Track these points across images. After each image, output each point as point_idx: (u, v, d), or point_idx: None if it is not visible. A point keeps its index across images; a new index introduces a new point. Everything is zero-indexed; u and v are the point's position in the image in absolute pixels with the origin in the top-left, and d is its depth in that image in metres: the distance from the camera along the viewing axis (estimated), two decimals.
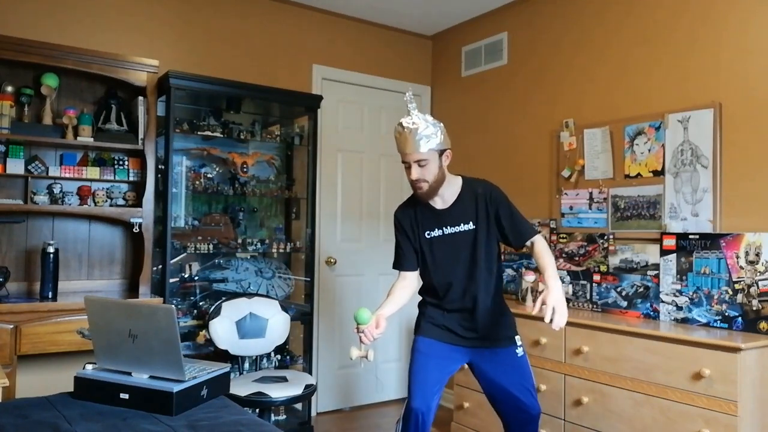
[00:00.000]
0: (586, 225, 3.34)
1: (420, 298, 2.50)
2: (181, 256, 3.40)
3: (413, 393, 2.29)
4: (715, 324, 2.70)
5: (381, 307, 2.37)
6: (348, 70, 4.24)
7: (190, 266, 3.50)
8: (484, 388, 2.42)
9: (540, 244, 2.31)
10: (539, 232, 2.45)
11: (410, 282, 2.44)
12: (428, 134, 2.21)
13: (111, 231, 3.34)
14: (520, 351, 2.39)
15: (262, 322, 3.25)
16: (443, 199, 2.35)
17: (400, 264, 2.46)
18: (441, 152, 2.26)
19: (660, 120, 3.01)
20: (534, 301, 3.44)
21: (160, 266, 3.26)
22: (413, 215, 2.40)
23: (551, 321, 2.01)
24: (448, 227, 2.34)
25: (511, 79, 3.97)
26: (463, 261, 2.33)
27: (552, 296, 2.04)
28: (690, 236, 2.81)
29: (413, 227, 2.40)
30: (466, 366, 2.45)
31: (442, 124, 2.29)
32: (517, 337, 2.40)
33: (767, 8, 2.67)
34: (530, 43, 3.83)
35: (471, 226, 2.33)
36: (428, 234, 2.37)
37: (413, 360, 2.37)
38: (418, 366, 2.34)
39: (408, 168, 2.26)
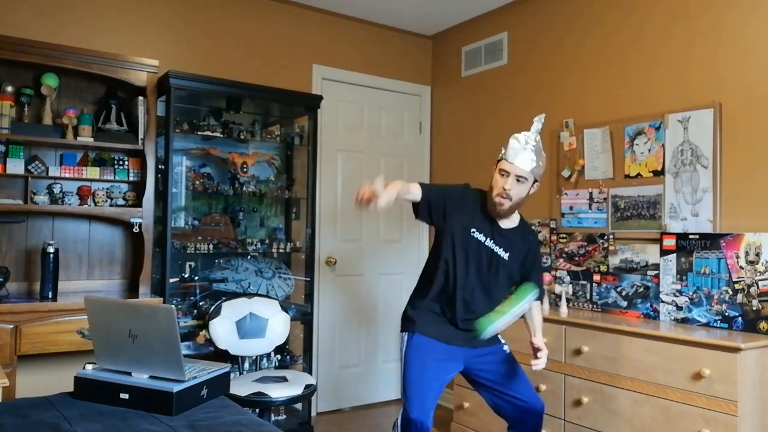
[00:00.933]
0: (586, 225, 3.34)
1: (412, 298, 2.49)
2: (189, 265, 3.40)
3: (411, 403, 2.27)
4: (715, 324, 2.70)
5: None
6: (348, 70, 4.24)
7: (190, 266, 3.50)
8: (484, 394, 2.42)
9: (539, 301, 2.45)
10: (543, 291, 2.53)
11: (414, 192, 2.33)
12: (538, 158, 2.28)
13: (111, 231, 3.34)
14: (507, 348, 2.45)
15: (262, 322, 3.25)
16: (502, 220, 2.38)
17: (425, 188, 2.35)
18: (534, 181, 2.31)
19: (660, 120, 3.01)
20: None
21: (160, 266, 3.26)
22: (476, 206, 2.37)
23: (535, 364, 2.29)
24: (492, 242, 2.35)
25: (511, 79, 3.97)
26: (482, 276, 2.36)
27: (545, 352, 2.32)
28: (690, 236, 2.81)
29: (467, 211, 2.35)
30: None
31: (545, 157, 2.37)
32: (501, 338, 2.47)
33: (767, 8, 2.67)
34: (530, 43, 3.83)
35: (507, 256, 2.37)
36: (473, 232, 2.34)
37: (409, 368, 2.33)
38: (415, 375, 2.30)
39: (504, 177, 2.27)
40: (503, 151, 2.31)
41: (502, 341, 2.46)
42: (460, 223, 2.34)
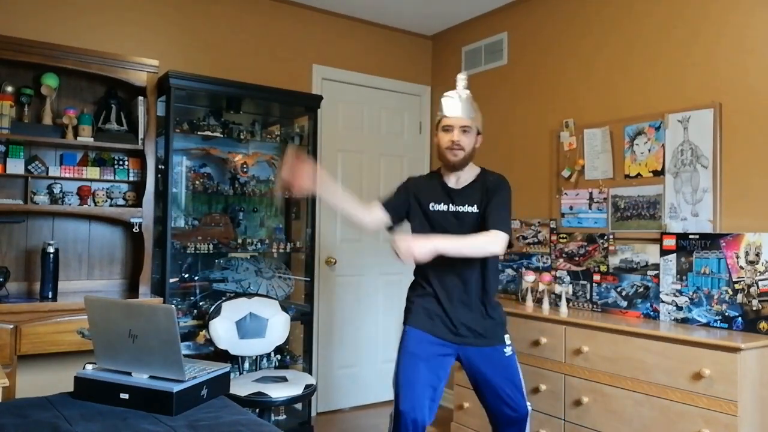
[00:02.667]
0: (586, 225, 3.34)
1: (409, 292, 2.50)
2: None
3: (401, 396, 2.27)
4: (715, 324, 2.70)
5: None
6: (348, 70, 4.25)
7: (190, 266, 3.50)
8: (473, 385, 2.43)
9: (489, 234, 2.23)
10: (507, 234, 2.26)
11: (374, 214, 2.44)
12: (475, 109, 2.40)
13: (111, 231, 3.34)
14: (508, 350, 2.40)
15: (262, 322, 3.25)
16: (459, 180, 2.43)
17: (383, 198, 2.51)
18: (477, 132, 2.41)
19: (660, 120, 3.01)
20: (534, 301, 3.44)
21: (160, 266, 3.25)
22: (423, 185, 2.48)
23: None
24: (454, 205, 2.40)
25: (511, 79, 3.97)
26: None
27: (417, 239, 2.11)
28: (690, 236, 2.81)
29: (420, 194, 2.45)
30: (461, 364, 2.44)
31: (478, 108, 2.45)
32: (506, 336, 2.42)
33: (767, 8, 2.67)
34: (530, 43, 3.83)
35: (474, 209, 2.38)
36: (432, 206, 2.41)
37: (400, 360, 2.34)
38: (404, 367, 2.31)
39: (448, 131, 2.36)
40: (440, 113, 2.42)
41: (507, 343, 2.40)
42: (418, 206, 2.44)
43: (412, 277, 2.51)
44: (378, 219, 2.45)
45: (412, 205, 2.46)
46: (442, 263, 2.30)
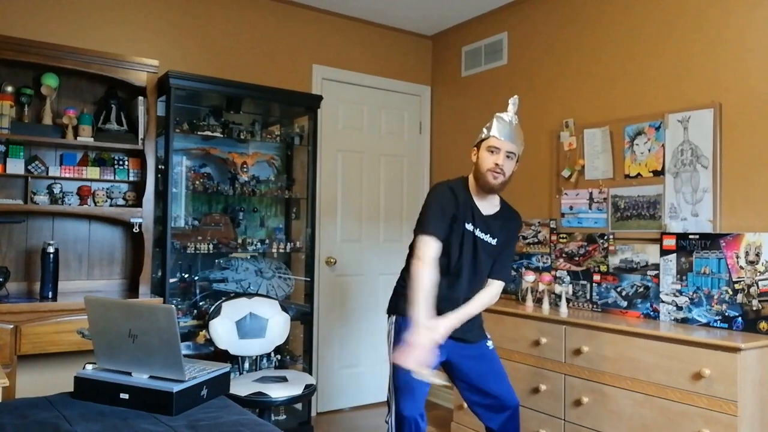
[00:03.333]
0: (586, 225, 3.34)
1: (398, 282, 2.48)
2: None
3: (402, 401, 2.27)
4: (715, 324, 2.70)
5: (423, 313, 2.14)
6: (348, 70, 4.25)
7: (189, 266, 3.50)
8: (461, 387, 2.44)
9: (493, 290, 2.41)
10: (506, 281, 2.50)
11: (434, 265, 2.23)
12: (521, 137, 2.36)
13: (111, 231, 3.34)
14: (490, 344, 2.47)
15: (262, 322, 3.25)
16: (486, 206, 2.41)
17: (433, 227, 2.24)
18: (518, 159, 2.37)
19: (660, 120, 3.01)
20: (534, 301, 3.45)
21: (160, 266, 3.26)
22: (457, 200, 2.35)
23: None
24: (479, 230, 2.38)
25: (511, 79, 3.97)
26: (474, 265, 2.38)
27: (421, 334, 2.09)
28: (690, 236, 2.81)
29: (457, 210, 2.34)
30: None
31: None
32: (487, 333, 2.50)
33: (767, 8, 2.67)
34: (530, 43, 3.83)
35: (494, 242, 2.40)
36: (467, 224, 2.36)
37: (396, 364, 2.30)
38: (401, 372, 2.24)
39: (493, 153, 2.30)
40: (487, 131, 2.35)
41: (488, 337, 2.50)
42: (456, 220, 2.34)
43: (407, 262, 2.49)
44: (436, 257, 2.27)
45: (450, 218, 2.32)
46: (449, 271, 2.35)
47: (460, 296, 2.37)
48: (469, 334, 2.40)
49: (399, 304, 2.38)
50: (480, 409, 2.42)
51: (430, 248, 2.22)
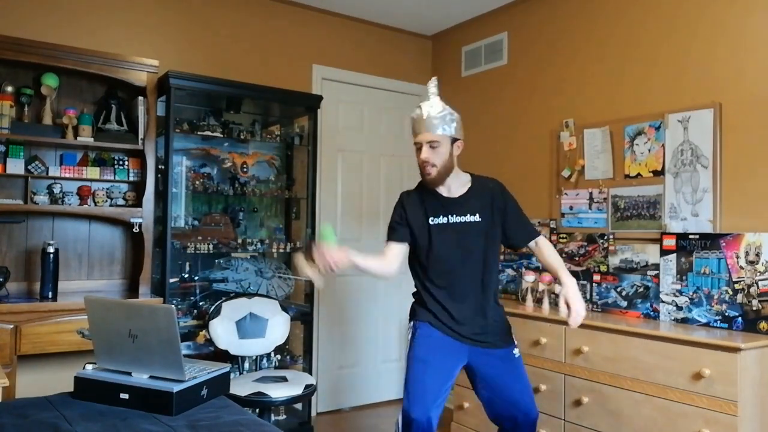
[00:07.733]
0: (586, 225, 3.34)
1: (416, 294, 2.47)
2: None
3: (412, 402, 2.23)
4: (715, 324, 2.70)
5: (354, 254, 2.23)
6: (348, 70, 4.24)
7: (189, 266, 3.50)
8: (481, 392, 2.37)
9: (547, 244, 2.43)
10: (541, 233, 2.50)
11: (390, 260, 2.36)
12: (444, 119, 2.29)
13: (111, 231, 3.34)
14: (516, 352, 2.38)
15: (262, 322, 3.25)
16: (449, 189, 2.37)
17: (390, 234, 2.40)
18: (453, 140, 2.30)
19: (660, 120, 3.01)
20: (534, 301, 3.45)
21: (160, 266, 3.25)
22: (419, 200, 2.38)
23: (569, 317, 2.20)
24: (454, 216, 2.34)
25: (511, 79, 3.97)
26: (465, 252, 2.32)
27: (572, 294, 2.25)
28: (690, 236, 2.81)
29: (417, 211, 2.36)
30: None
31: (459, 116, 2.35)
32: (514, 338, 2.42)
33: (766, 7, 2.67)
34: (530, 43, 3.83)
35: (477, 218, 2.34)
36: (432, 220, 2.34)
37: (411, 366, 2.29)
38: (416, 374, 2.26)
39: (419, 149, 2.30)
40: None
41: (515, 344, 2.40)
42: (420, 222, 2.35)
43: (412, 278, 2.50)
44: (397, 257, 2.38)
45: (412, 223, 2.37)
46: (442, 270, 2.33)
47: (468, 293, 2.32)
48: (492, 334, 2.34)
49: (416, 311, 2.41)
50: (499, 419, 2.36)
51: (389, 249, 2.39)
